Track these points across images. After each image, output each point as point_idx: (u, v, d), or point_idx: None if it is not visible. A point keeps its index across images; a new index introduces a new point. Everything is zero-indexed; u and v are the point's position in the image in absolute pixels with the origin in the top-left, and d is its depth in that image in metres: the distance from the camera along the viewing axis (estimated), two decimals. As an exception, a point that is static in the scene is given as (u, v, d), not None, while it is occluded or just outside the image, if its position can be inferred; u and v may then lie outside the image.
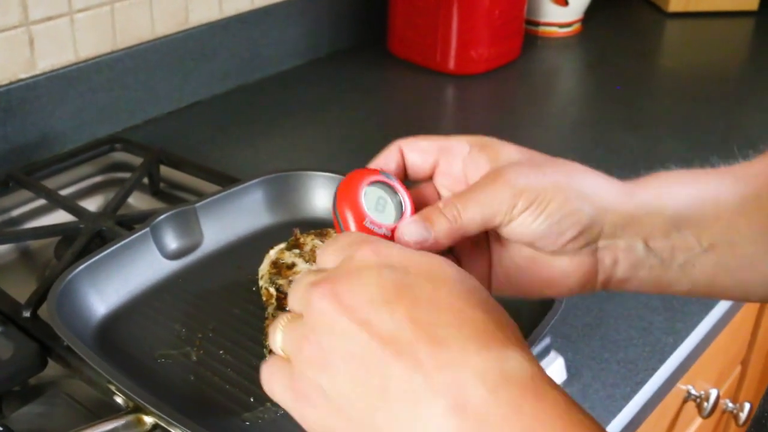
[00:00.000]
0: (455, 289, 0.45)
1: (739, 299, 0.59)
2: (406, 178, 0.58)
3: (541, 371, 0.43)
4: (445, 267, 0.46)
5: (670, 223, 0.54)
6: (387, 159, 0.58)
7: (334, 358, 0.44)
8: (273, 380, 0.47)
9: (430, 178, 0.59)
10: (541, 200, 0.52)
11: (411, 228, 0.53)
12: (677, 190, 0.56)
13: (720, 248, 0.55)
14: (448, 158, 0.57)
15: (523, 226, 0.52)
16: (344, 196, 0.54)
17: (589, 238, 0.54)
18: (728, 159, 0.60)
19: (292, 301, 0.47)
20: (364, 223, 0.53)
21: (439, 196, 0.58)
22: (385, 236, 0.53)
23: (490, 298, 0.46)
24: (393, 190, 0.55)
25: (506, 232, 0.54)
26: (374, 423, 0.43)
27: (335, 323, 0.44)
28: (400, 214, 0.55)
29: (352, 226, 0.53)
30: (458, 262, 0.56)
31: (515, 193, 0.52)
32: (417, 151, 0.58)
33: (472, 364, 0.41)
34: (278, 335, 0.48)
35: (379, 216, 0.54)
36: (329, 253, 0.49)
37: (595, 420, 0.42)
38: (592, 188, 0.54)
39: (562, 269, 0.56)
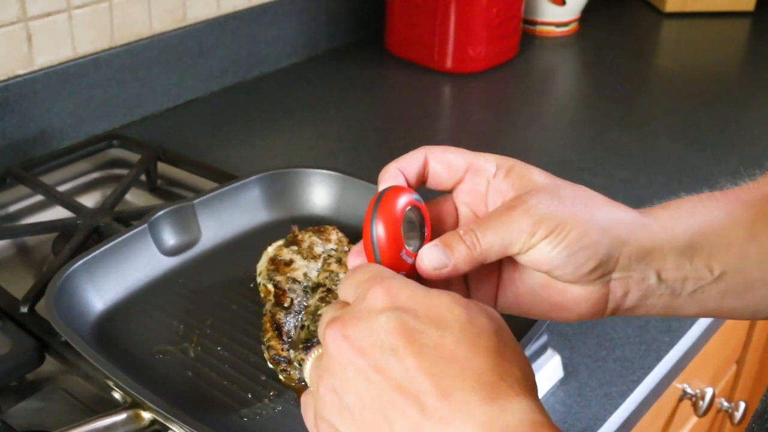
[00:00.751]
0: (462, 335, 0.46)
1: (747, 318, 0.59)
2: (424, 184, 0.58)
3: (543, 419, 0.44)
4: (454, 309, 0.47)
5: (682, 255, 0.55)
6: (410, 164, 0.57)
7: (347, 402, 0.46)
8: (305, 412, 0.50)
9: (450, 190, 0.59)
10: (561, 230, 0.52)
11: (432, 254, 0.53)
12: (689, 221, 0.56)
13: (730, 275, 0.56)
14: (474, 177, 0.57)
15: (542, 254, 0.52)
16: (388, 220, 0.52)
17: (605, 270, 0.54)
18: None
19: (319, 335, 0.49)
20: (400, 254, 0.53)
21: (456, 212, 0.58)
22: (412, 266, 0.53)
23: (497, 339, 0.46)
24: (420, 214, 0.55)
25: (524, 260, 0.54)
26: None
27: (347, 367, 0.46)
28: (423, 238, 0.55)
29: (388, 253, 0.52)
30: (466, 279, 0.57)
31: (535, 221, 0.52)
32: (443, 164, 0.57)
33: (475, 417, 0.43)
34: (307, 368, 0.51)
35: (409, 244, 0.53)
36: (347, 285, 0.51)
37: None
38: (611, 221, 0.54)
39: (574, 297, 0.56)
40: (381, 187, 0.55)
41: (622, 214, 0.55)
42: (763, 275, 0.56)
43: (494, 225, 0.52)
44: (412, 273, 0.53)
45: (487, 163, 0.57)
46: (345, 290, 0.51)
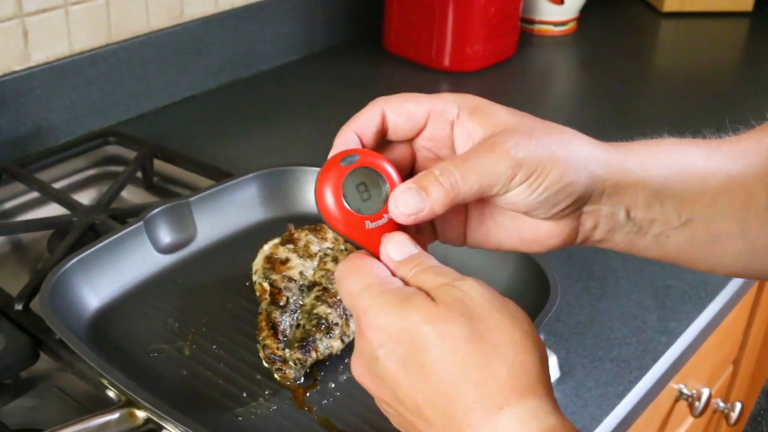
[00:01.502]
0: (439, 356, 0.46)
1: (706, 271, 0.60)
2: (384, 137, 0.56)
3: (537, 425, 0.44)
4: (422, 328, 0.47)
5: (653, 195, 0.55)
6: (366, 123, 0.55)
7: (394, 422, 0.52)
8: None
9: (410, 140, 0.57)
10: (540, 172, 0.51)
11: (406, 199, 0.51)
12: (666, 162, 0.56)
13: (696, 223, 0.56)
14: (435, 122, 0.55)
15: (520, 197, 0.52)
16: (332, 215, 0.52)
17: (578, 205, 0.54)
18: (720, 133, 0.61)
19: None
20: (365, 228, 0.52)
21: (413, 158, 0.57)
22: (383, 226, 0.52)
23: (473, 344, 0.46)
24: (364, 169, 0.53)
25: (502, 201, 0.53)
26: None
27: (375, 397, 0.51)
28: (386, 186, 0.53)
29: (358, 237, 0.52)
30: (432, 220, 0.55)
31: (514, 164, 0.51)
32: (404, 116, 0.55)
33: None
34: None
35: (369, 206, 0.52)
36: (343, 298, 0.53)
37: None
38: (586, 157, 0.53)
39: (545, 231, 0.56)
40: (330, 154, 0.54)
41: (597, 150, 0.55)
42: (729, 229, 0.57)
43: (474, 166, 0.51)
44: (392, 227, 0.53)
45: (448, 104, 0.55)
46: (342, 300, 0.53)
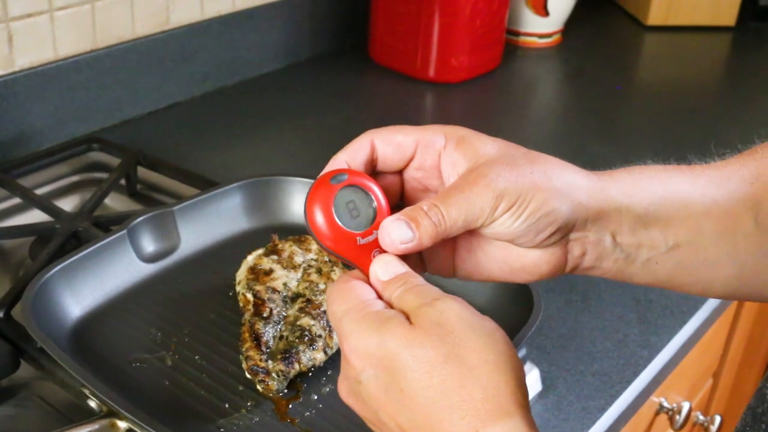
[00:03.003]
0: (416, 381, 0.47)
1: (698, 294, 0.61)
2: (374, 169, 0.57)
3: None
4: (400, 353, 0.48)
5: (637, 220, 0.56)
6: (356, 153, 0.56)
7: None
8: None
9: (400, 171, 0.58)
10: (522, 202, 0.52)
11: (396, 228, 0.52)
12: (649, 189, 0.57)
13: (683, 248, 0.57)
14: (423, 153, 0.57)
15: (504, 226, 0.53)
16: (323, 232, 0.53)
17: (564, 232, 0.55)
18: (705, 158, 0.61)
19: None
20: (357, 244, 0.53)
21: (402, 188, 0.58)
22: (371, 243, 0.53)
23: (450, 367, 0.47)
24: (353, 187, 0.54)
25: (487, 232, 0.54)
26: None
27: (361, 414, 0.53)
28: (374, 204, 0.54)
29: (350, 254, 0.53)
30: (420, 252, 0.56)
31: (497, 195, 0.52)
32: (393, 146, 0.57)
33: None
34: None
35: (359, 223, 0.53)
36: (330, 318, 0.53)
37: None
38: (569, 185, 0.54)
39: (534, 259, 0.57)
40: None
41: (580, 178, 0.56)
42: (716, 254, 0.57)
43: (457, 201, 0.52)
44: (374, 248, 0.54)
45: (435, 135, 0.56)
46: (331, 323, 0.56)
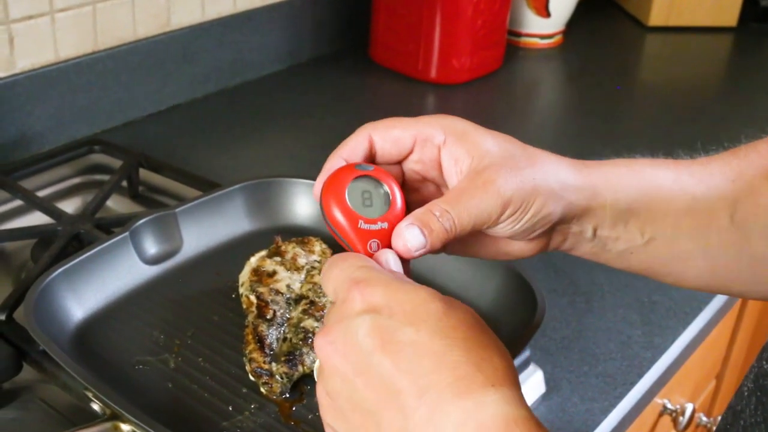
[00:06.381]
0: (437, 329, 0.47)
1: (671, 284, 0.65)
2: (372, 162, 0.59)
3: (519, 412, 0.44)
4: (429, 303, 0.48)
5: (618, 216, 0.59)
6: (354, 149, 0.58)
7: (339, 405, 0.48)
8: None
9: (399, 163, 0.60)
10: (524, 207, 0.55)
11: (411, 235, 0.54)
12: (633, 184, 0.59)
13: (658, 242, 0.60)
14: (422, 147, 0.58)
15: (505, 228, 0.57)
16: (331, 204, 0.54)
17: (552, 228, 0.59)
18: (692, 153, 0.63)
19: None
20: (359, 226, 0.54)
21: (402, 178, 0.60)
22: (382, 230, 0.54)
23: (474, 331, 0.47)
24: (374, 179, 0.56)
25: (488, 231, 0.57)
26: None
27: (335, 372, 0.48)
28: (388, 201, 0.56)
29: (349, 233, 0.54)
30: None
31: (504, 202, 0.55)
32: (390, 141, 0.58)
33: (451, 416, 0.44)
34: (315, 377, 0.55)
35: (368, 211, 0.55)
36: (327, 283, 0.52)
37: None
38: (563, 185, 0.57)
39: (519, 247, 0.60)
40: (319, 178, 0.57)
41: (572, 176, 0.58)
42: (690, 248, 0.60)
43: (468, 207, 0.54)
44: (381, 235, 0.55)
45: (433, 129, 0.58)
46: (326, 287, 0.52)
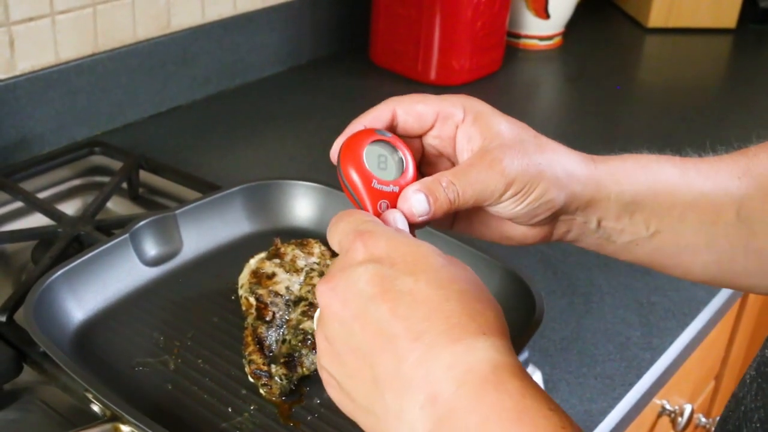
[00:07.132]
0: (435, 280, 0.49)
1: (679, 277, 0.66)
2: (393, 132, 0.60)
3: (507, 359, 0.46)
4: (430, 256, 0.50)
5: (624, 208, 0.60)
6: (377, 119, 0.60)
7: (337, 349, 0.50)
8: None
9: (419, 137, 0.62)
10: (527, 189, 0.57)
11: (416, 200, 0.56)
12: (639, 177, 0.61)
13: (663, 235, 0.61)
14: (443, 124, 0.60)
15: (507, 207, 0.58)
16: (348, 161, 0.57)
17: (555, 216, 0.60)
18: (700, 152, 0.64)
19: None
20: (372, 185, 0.56)
21: (421, 151, 0.62)
22: (393, 193, 0.57)
23: (471, 286, 0.50)
24: (391, 146, 0.58)
25: (490, 209, 0.59)
26: (373, 409, 0.49)
27: (334, 317, 0.50)
28: (402, 168, 0.58)
29: (362, 190, 0.56)
30: None
31: (508, 181, 0.56)
32: (413, 115, 0.60)
33: (442, 358, 0.46)
34: (315, 324, 0.56)
35: (382, 174, 0.57)
36: (333, 235, 0.54)
37: (555, 407, 0.45)
38: (569, 176, 0.59)
39: (523, 232, 0.62)
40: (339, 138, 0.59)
41: (579, 167, 0.60)
42: (696, 242, 0.61)
43: (473, 182, 0.56)
44: (391, 197, 0.57)
45: (455, 108, 0.60)
46: (331, 239, 0.55)
